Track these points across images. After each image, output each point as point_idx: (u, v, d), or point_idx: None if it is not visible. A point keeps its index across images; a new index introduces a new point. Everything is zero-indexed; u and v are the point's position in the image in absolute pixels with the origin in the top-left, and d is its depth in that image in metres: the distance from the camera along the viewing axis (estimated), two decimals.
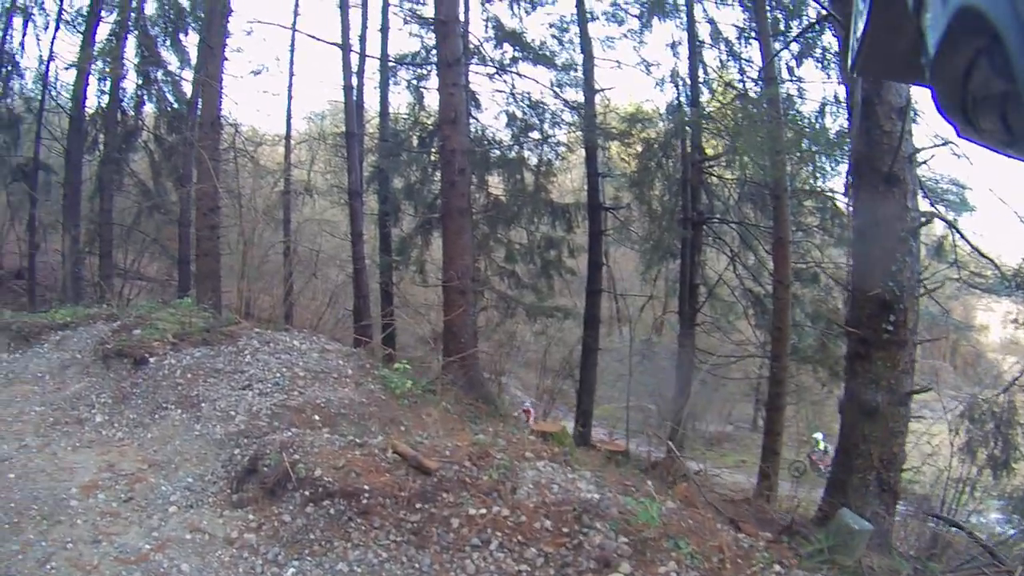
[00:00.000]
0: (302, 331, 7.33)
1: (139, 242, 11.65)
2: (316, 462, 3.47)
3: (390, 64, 11.29)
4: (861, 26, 0.66)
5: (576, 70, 12.00)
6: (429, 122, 11.22)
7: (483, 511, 3.13)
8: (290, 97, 11.23)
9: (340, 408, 4.64)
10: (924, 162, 6.17)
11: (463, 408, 6.70)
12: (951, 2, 0.46)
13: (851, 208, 7.85)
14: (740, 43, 12.61)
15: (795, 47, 11.88)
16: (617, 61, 12.62)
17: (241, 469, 3.66)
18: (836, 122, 11.56)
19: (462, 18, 11.12)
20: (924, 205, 7.52)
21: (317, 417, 4.45)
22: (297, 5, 11.53)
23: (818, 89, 17.79)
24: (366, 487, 3.25)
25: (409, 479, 3.34)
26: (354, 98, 10.99)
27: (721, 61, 13.05)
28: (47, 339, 6.17)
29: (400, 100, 11.56)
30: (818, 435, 13.77)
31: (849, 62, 0.75)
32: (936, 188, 9.81)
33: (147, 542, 3.26)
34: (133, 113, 11.81)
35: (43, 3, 12.86)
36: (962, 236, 7.18)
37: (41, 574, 2.99)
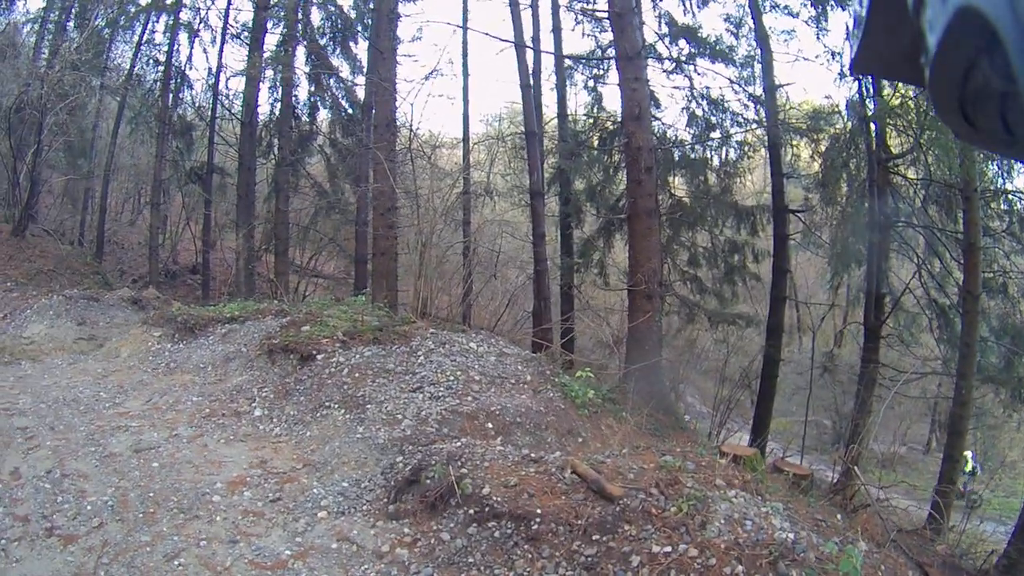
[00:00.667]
0: (480, 333, 7.00)
1: (316, 241, 11.74)
2: (485, 478, 3.12)
3: (566, 64, 10.91)
4: (860, 26, 0.62)
5: (755, 65, 11.27)
6: (609, 122, 10.73)
7: (668, 549, 2.71)
8: (466, 100, 11.11)
9: (516, 416, 4.32)
10: None
11: (644, 420, 6.17)
12: (950, 2, 0.45)
13: None
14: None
15: None
16: (797, 53, 11.74)
17: (402, 478, 3.41)
18: None
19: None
20: None
21: (490, 425, 4.15)
22: (466, 8, 11.39)
23: None
24: (538, 511, 2.92)
25: (588, 505, 2.95)
26: (532, 98, 10.63)
27: None
28: (213, 332, 6.23)
29: (577, 101, 11.19)
30: (968, 453, 12.36)
31: (848, 61, 0.71)
32: None
33: (288, 547, 3.01)
34: (307, 119, 11.95)
35: (207, 19, 13.36)
36: None
37: (167, 570, 2.80)
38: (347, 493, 3.50)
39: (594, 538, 2.80)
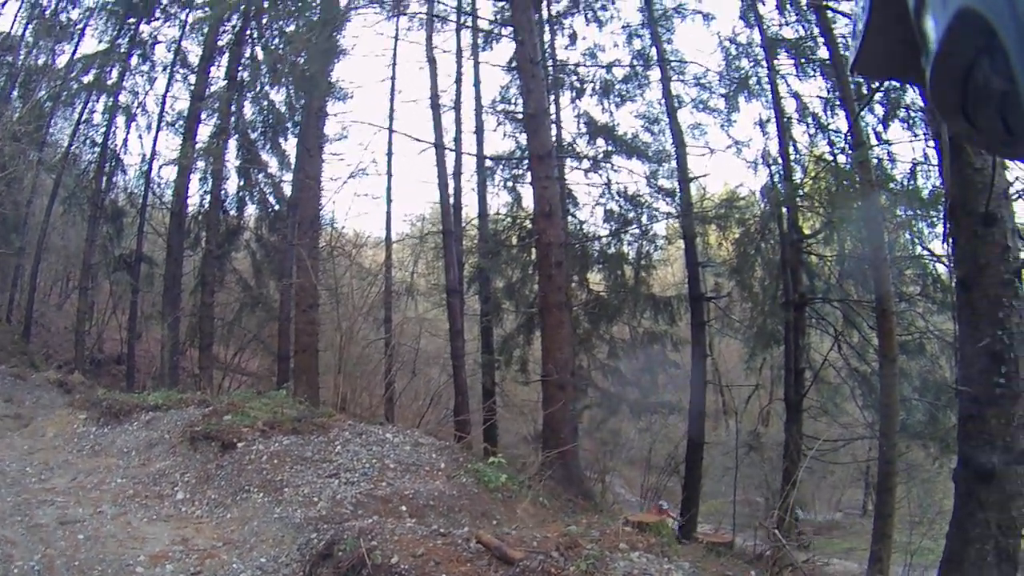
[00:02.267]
0: (396, 425, 7.16)
1: (240, 337, 11.73)
2: (394, 549, 3.29)
3: (486, 164, 11.32)
4: (860, 26, 0.63)
5: (669, 159, 11.83)
6: (527, 221, 11.12)
7: None
8: (389, 199, 11.35)
9: (429, 500, 4.51)
10: (1019, 196, 5.84)
11: (561, 503, 6.41)
12: (951, 3, 0.45)
13: (951, 260, 7.51)
14: (826, 114, 12.27)
15: (880, 110, 11.49)
16: (708, 146, 12.36)
17: (316, 552, 3.56)
18: (928, 181, 11.13)
19: (553, 114, 11.13)
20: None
21: (404, 507, 4.32)
22: (392, 108, 11.68)
23: (907, 150, 17.30)
24: (444, 575, 3.08)
25: (491, 569, 3.16)
26: (451, 197, 10.98)
27: (810, 136, 12.71)
28: (137, 418, 6.27)
29: (499, 200, 11.61)
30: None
31: (849, 62, 0.71)
32: None
33: None
34: (235, 212, 12.08)
35: (145, 104, 13.51)
36: None
37: None
38: (265, 568, 3.65)
39: None
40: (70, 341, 13.51)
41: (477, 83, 11.67)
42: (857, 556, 11.91)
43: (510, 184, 11.45)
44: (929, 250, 11.30)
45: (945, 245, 10.17)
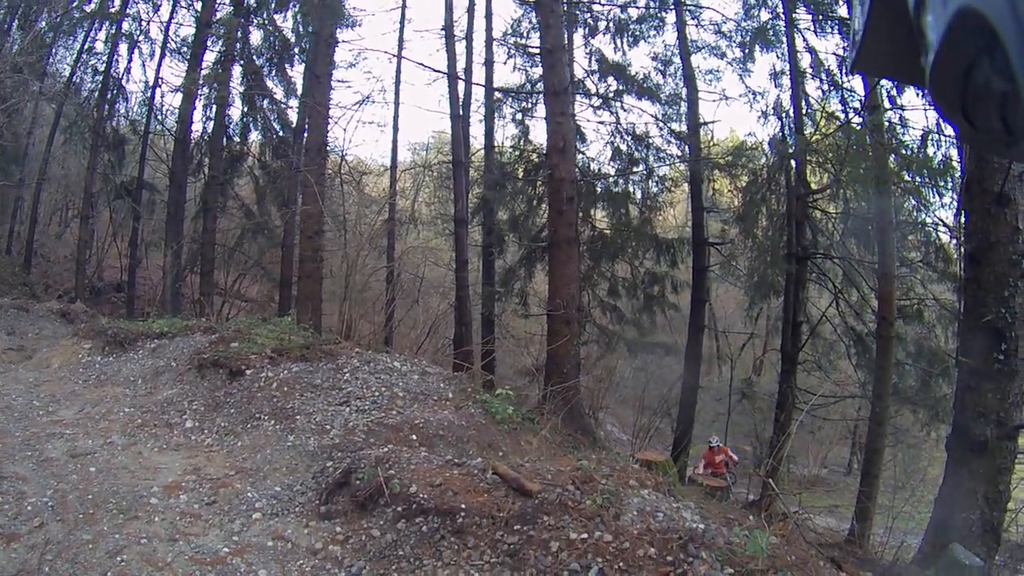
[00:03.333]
0: (403, 354, 7.17)
1: (241, 263, 11.70)
2: (412, 479, 3.31)
3: (496, 96, 11.19)
4: (861, 26, 0.64)
5: (681, 103, 11.74)
6: (534, 155, 11.04)
7: (584, 536, 2.93)
8: (396, 128, 11.24)
9: (438, 429, 4.49)
10: None
11: (563, 438, 6.46)
12: (951, 3, 0.45)
13: (960, 234, 7.49)
14: (841, 73, 12.20)
15: None
16: (722, 92, 12.26)
17: (332, 481, 3.55)
18: (939, 151, 11.11)
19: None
20: None
21: (414, 437, 4.32)
22: (402, 37, 11.51)
23: (919, 117, 17.22)
24: (463, 506, 3.10)
25: (508, 500, 3.17)
26: (461, 128, 10.87)
27: (823, 92, 12.63)
28: (143, 346, 6.26)
29: (505, 133, 11.53)
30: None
31: (849, 61, 0.71)
32: None
33: (226, 545, 3.17)
34: (239, 139, 11.96)
35: (148, 31, 13.29)
36: None
37: (110, 565, 2.94)
38: (280, 496, 3.64)
39: (515, 528, 3.00)
40: (70, 270, 13.48)
41: (489, 14, 11.54)
42: (840, 514, 12.11)
43: (518, 117, 11.37)
44: (937, 218, 11.35)
45: (957, 218, 10.23)
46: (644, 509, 3.14)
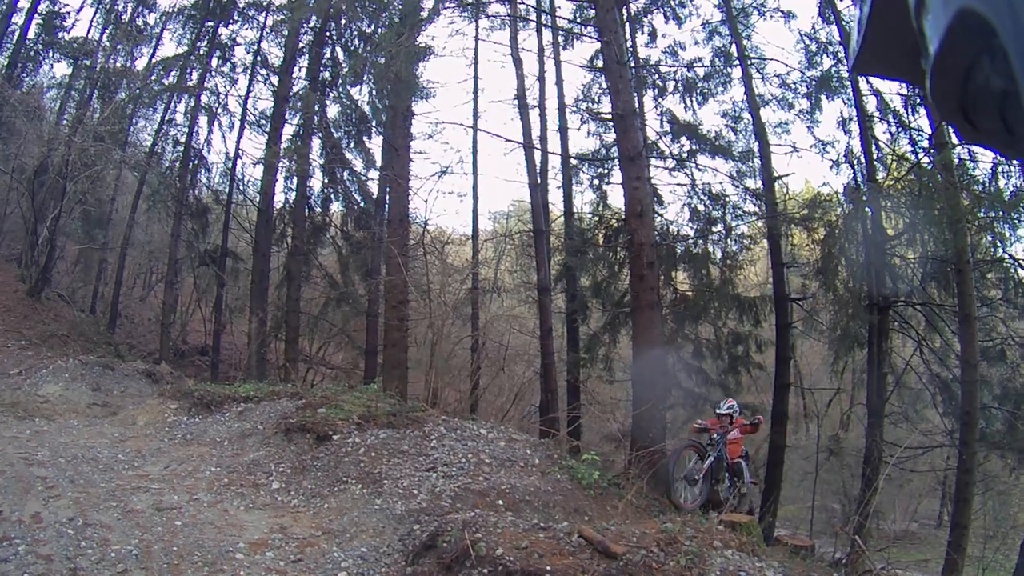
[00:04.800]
0: (489, 421, 7.18)
1: (326, 331, 11.96)
2: (498, 541, 3.29)
3: (572, 163, 11.30)
4: (861, 26, 0.63)
5: (753, 158, 11.69)
6: (613, 220, 11.08)
7: None
8: (475, 197, 11.45)
9: (525, 494, 4.54)
10: None
11: (648, 502, 6.36)
12: (951, 3, 0.45)
13: None
14: (907, 112, 12.00)
15: None
16: (792, 146, 12.16)
17: (419, 544, 3.56)
18: (1009, 182, 10.84)
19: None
20: None
21: (501, 502, 4.36)
22: (476, 107, 11.77)
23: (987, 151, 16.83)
24: (548, 568, 3.09)
25: (593, 562, 3.15)
26: (540, 196, 11.00)
27: (891, 134, 12.44)
28: (229, 409, 6.40)
29: (583, 199, 11.67)
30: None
31: (850, 63, 0.70)
32: None
33: None
34: (320, 210, 12.31)
35: (227, 104, 13.85)
36: None
37: None
38: (366, 557, 3.66)
39: None
40: (154, 333, 13.95)
41: (559, 82, 11.70)
42: (931, 568, 11.62)
43: (595, 183, 11.45)
44: (1010, 255, 11.09)
45: None
46: (727, 569, 3.14)
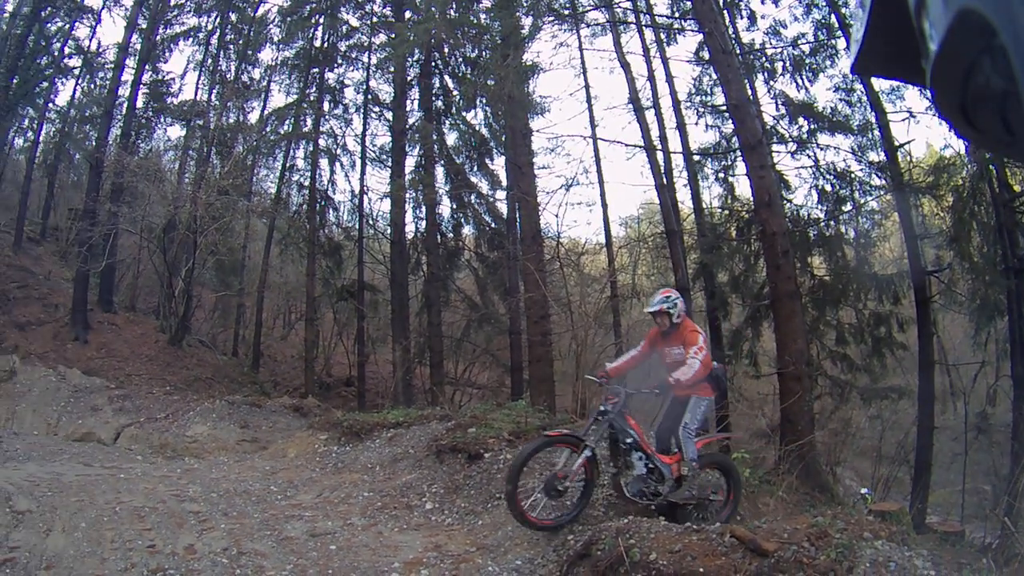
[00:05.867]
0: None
1: (469, 352, 12.57)
2: (651, 546, 3.37)
3: (695, 158, 11.46)
4: (861, 26, 0.62)
5: (872, 130, 11.48)
6: (743, 211, 11.17)
7: None
8: (604, 205, 11.83)
9: None
10: None
11: (800, 497, 6.33)
12: (951, 3, 0.45)
13: None
14: None
15: None
16: (908, 111, 11.83)
17: (573, 553, 3.63)
18: None
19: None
20: None
21: (653, 506, 4.39)
22: (592, 116, 12.06)
23: None
24: (700, 569, 3.18)
25: (746, 561, 3.24)
26: (667, 196, 11.23)
27: None
28: (378, 436, 6.59)
29: (711, 194, 11.79)
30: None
31: (850, 63, 0.71)
32: None
33: None
34: (452, 235, 12.97)
35: (345, 144, 14.70)
36: None
37: None
38: (521, 569, 3.79)
39: None
40: (298, 369, 14.92)
41: (669, 79, 11.84)
42: None
43: (721, 176, 11.56)
44: None
45: None
46: (877, 560, 3.20)
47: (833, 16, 12.02)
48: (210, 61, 16.34)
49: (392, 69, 13.82)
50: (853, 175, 11.31)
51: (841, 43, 12.11)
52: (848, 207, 11.20)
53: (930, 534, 7.25)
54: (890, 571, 3.20)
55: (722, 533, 3.52)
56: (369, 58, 14.55)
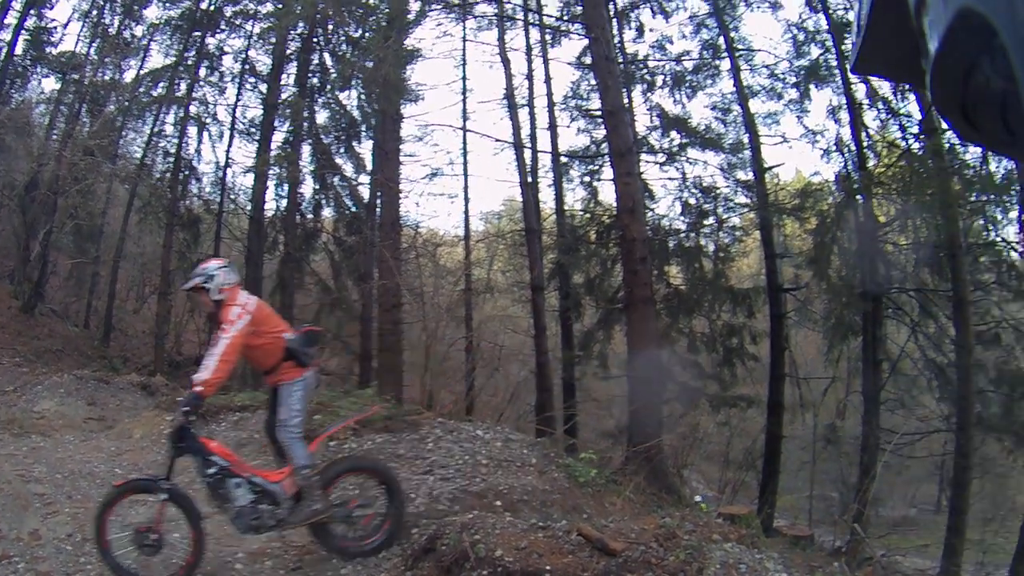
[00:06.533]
0: (485, 422, 7.21)
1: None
2: (497, 543, 3.34)
3: (562, 160, 11.34)
4: (861, 26, 0.62)
5: (744, 150, 11.73)
6: (605, 216, 11.12)
7: None
8: (466, 198, 11.55)
9: (523, 495, 4.60)
10: None
11: (646, 498, 6.35)
12: (951, 3, 0.45)
13: None
14: (896, 99, 12.02)
15: None
16: (782, 136, 12.19)
17: (418, 547, 3.59)
18: (1000, 165, 10.87)
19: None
20: None
21: (499, 502, 4.41)
22: (465, 108, 11.83)
23: None
24: (547, 568, 3.14)
25: (593, 560, 3.20)
26: (530, 195, 11.03)
27: (881, 121, 12.49)
28: (224, 419, 6.46)
29: (574, 196, 11.72)
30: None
31: (850, 63, 0.65)
32: None
33: None
34: (312, 216, 12.32)
35: (216, 114, 13.84)
36: None
37: None
38: (367, 563, 3.73)
39: None
40: (148, 345, 13.90)
41: (548, 80, 11.77)
42: (931, 553, 11.64)
43: (586, 180, 11.49)
44: (1003, 237, 11.16)
45: (1021, 232, 10.02)
46: (727, 562, 3.18)
47: (721, 38, 12.24)
48: (95, 13, 15.10)
49: (273, 40, 13.12)
50: (719, 191, 11.49)
51: (725, 64, 12.35)
52: (710, 221, 11.32)
53: (780, 537, 7.19)
54: (740, 573, 3.16)
55: (568, 531, 3.48)
56: (253, 27, 13.78)
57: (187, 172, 13.61)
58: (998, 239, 11.22)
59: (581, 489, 5.05)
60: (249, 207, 12.21)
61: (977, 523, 11.38)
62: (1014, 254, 11.19)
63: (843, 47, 11.82)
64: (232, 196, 12.86)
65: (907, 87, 11.57)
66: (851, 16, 12.09)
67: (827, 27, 11.96)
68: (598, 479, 5.28)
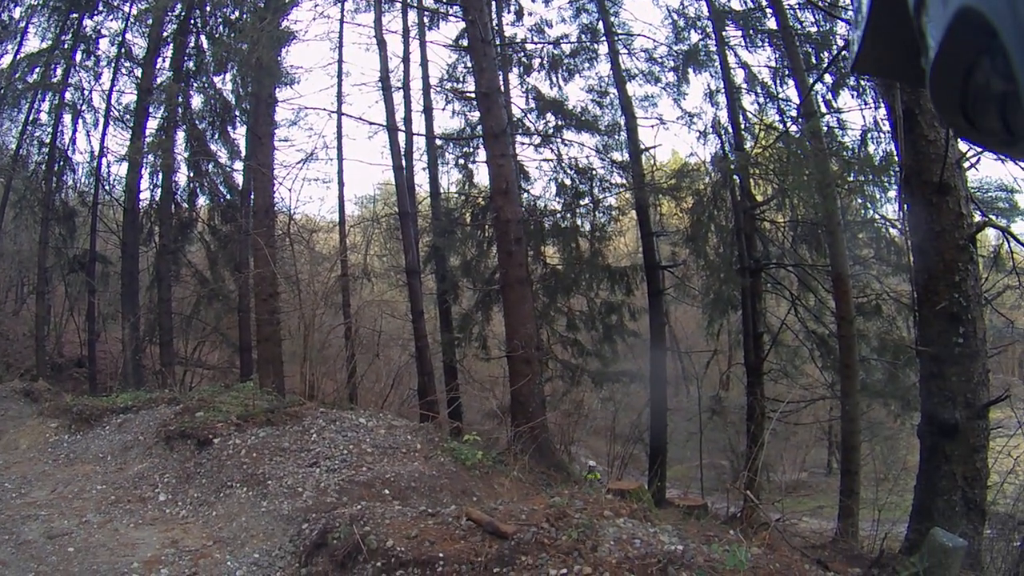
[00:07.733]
0: (368, 409, 7.24)
1: (199, 331, 11.68)
2: (388, 533, 3.34)
3: (437, 143, 11.35)
4: (861, 26, 0.65)
5: (620, 132, 11.99)
6: (480, 198, 11.20)
7: (564, 571, 2.95)
8: (341, 183, 11.36)
9: (410, 481, 4.59)
10: (971, 166, 6.21)
11: (535, 477, 6.51)
12: (951, 3, 0.45)
13: (906, 227, 7.70)
14: (776, 84, 12.51)
15: (828, 79, 11.70)
16: (659, 118, 12.54)
17: (310, 543, 3.58)
18: (879, 147, 11.43)
19: (502, 91, 11.17)
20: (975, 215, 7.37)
21: (387, 491, 4.41)
22: (340, 92, 11.64)
23: (856, 117, 17.66)
24: (440, 555, 3.13)
25: (485, 544, 3.20)
26: (405, 178, 11.01)
27: (759, 104, 12.93)
28: (109, 422, 6.30)
29: (450, 179, 11.72)
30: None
31: (849, 62, 0.73)
32: (985, 197, 9.69)
33: None
34: (187, 205, 11.98)
35: (91, 100, 13.27)
36: (1018, 242, 6.85)
37: None
38: (260, 563, 3.69)
39: (495, 571, 3.01)
40: (30, 347, 13.30)
41: (424, 63, 11.71)
42: (825, 514, 12.29)
43: (461, 162, 11.53)
44: (881, 215, 11.70)
45: (900, 211, 10.56)
46: (621, 538, 3.19)
47: (601, 23, 12.42)
48: None
49: (150, 22, 12.63)
50: (595, 172, 11.71)
51: (604, 48, 12.56)
52: (586, 201, 11.54)
53: (673, 509, 7.36)
54: (635, 547, 3.10)
55: (458, 516, 3.43)
56: (130, 7, 13.23)
57: (62, 163, 13.04)
58: (877, 216, 11.78)
59: (469, 472, 5.06)
60: (124, 198, 11.79)
61: (870, 483, 12.05)
62: (892, 231, 11.67)
63: (723, 33, 12.18)
64: (107, 187, 12.38)
65: (787, 72, 12.08)
66: (733, 4, 12.46)
67: (708, 14, 12.25)
68: (485, 461, 5.31)
